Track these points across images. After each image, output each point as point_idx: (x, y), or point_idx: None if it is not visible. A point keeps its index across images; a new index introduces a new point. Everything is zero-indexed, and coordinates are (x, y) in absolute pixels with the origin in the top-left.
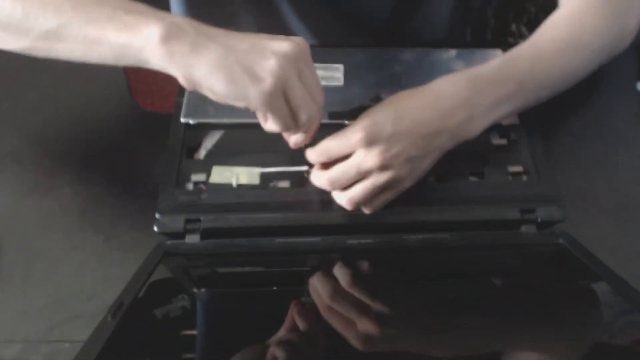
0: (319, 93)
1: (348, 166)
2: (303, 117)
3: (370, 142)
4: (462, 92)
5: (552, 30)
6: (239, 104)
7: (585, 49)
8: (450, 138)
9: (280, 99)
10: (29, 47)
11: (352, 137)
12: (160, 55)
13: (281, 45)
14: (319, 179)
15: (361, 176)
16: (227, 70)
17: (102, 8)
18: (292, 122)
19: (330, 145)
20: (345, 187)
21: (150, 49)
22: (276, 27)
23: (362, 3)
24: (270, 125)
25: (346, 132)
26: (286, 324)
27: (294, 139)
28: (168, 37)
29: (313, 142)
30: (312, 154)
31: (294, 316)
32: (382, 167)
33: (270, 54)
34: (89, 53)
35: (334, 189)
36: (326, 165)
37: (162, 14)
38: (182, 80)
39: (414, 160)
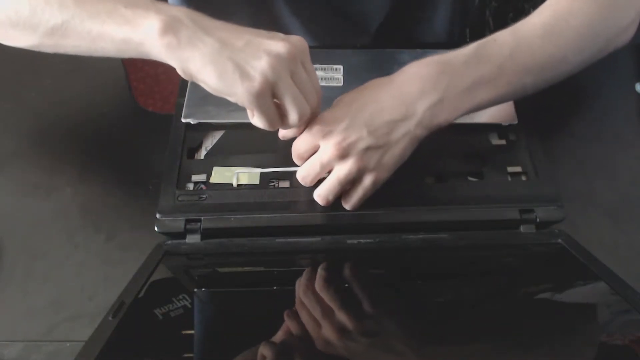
0: (313, 93)
1: (313, 160)
2: (292, 117)
3: (327, 133)
4: (431, 74)
5: (536, 17)
6: (230, 98)
7: (573, 33)
8: (418, 124)
9: (268, 99)
10: (37, 43)
11: (312, 131)
12: (159, 48)
13: (276, 45)
14: (297, 177)
15: (326, 169)
16: (219, 66)
17: (103, 3)
18: (278, 120)
19: (297, 144)
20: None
21: (149, 43)
22: (273, 28)
23: (361, 4)
24: (256, 120)
25: (308, 128)
26: (284, 326)
27: (282, 132)
28: (166, 31)
29: None
30: (293, 156)
31: (292, 319)
32: (341, 157)
33: (263, 53)
34: (92, 47)
35: (307, 184)
36: None
37: (162, 6)
38: (179, 72)
39: (378, 150)
